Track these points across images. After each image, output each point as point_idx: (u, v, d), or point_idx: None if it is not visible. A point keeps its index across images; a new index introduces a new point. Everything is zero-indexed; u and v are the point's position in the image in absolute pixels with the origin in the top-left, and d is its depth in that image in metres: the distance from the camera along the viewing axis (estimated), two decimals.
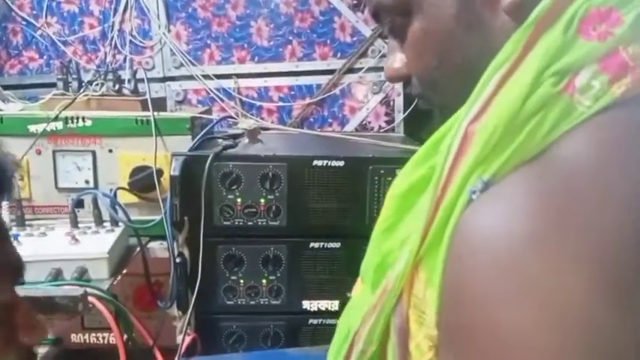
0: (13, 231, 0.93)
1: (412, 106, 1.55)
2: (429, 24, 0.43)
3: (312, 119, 1.62)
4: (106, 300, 0.82)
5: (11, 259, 0.48)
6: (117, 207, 1.00)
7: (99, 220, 1.00)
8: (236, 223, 1.02)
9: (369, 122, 1.61)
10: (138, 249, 1.01)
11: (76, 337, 1.14)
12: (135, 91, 1.20)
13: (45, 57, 1.64)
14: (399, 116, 1.59)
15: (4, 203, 0.94)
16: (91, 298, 0.80)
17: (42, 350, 1.10)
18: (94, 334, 1.13)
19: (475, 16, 0.41)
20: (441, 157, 0.39)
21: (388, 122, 1.60)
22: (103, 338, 1.14)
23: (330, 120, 1.62)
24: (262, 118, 1.59)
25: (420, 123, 1.65)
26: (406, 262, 0.40)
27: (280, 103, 1.61)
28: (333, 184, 1.03)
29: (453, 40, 0.43)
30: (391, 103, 1.60)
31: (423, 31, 0.44)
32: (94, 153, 1.05)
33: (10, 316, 0.48)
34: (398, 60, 0.48)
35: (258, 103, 1.61)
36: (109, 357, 1.06)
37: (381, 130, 1.60)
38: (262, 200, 1.02)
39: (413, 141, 1.34)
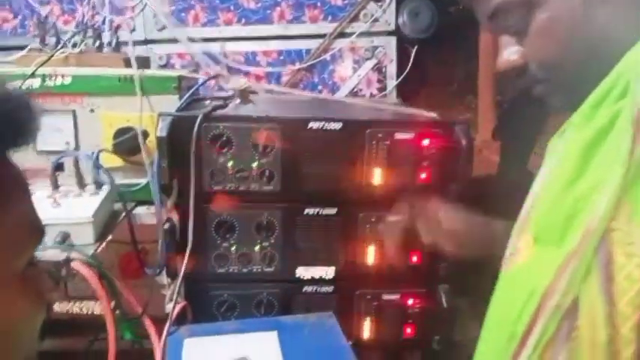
0: None
1: (405, 73, 1.51)
2: (556, 11, 0.50)
3: (301, 86, 1.57)
4: (91, 265, 0.77)
5: (36, 218, 0.48)
6: (101, 170, 0.95)
7: (81, 183, 0.94)
8: (227, 187, 0.97)
9: (361, 90, 1.56)
10: (123, 214, 0.96)
11: (59, 307, 1.08)
12: (116, 52, 1.13)
13: (19, 17, 1.54)
14: (392, 83, 1.54)
15: None
16: (74, 264, 0.75)
17: None
18: (78, 304, 1.08)
19: None
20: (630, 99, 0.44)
21: (380, 90, 1.56)
22: (88, 308, 1.09)
23: (320, 87, 1.57)
24: None
25: (413, 90, 1.62)
26: (607, 200, 0.44)
27: (269, 69, 1.54)
28: (330, 148, 0.99)
29: (579, 22, 0.49)
30: (383, 69, 1.55)
31: (549, 20, 0.51)
32: (74, 113, 0.99)
33: (37, 274, 0.48)
34: (513, 52, 0.55)
35: (245, 69, 1.54)
36: (94, 328, 1.01)
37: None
38: (254, 164, 0.97)
39: (409, 106, 1.30)
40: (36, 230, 0.48)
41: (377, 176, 1.01)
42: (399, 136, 1.00)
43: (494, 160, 1.51)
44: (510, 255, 0.59)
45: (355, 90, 1.56)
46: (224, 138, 0.95)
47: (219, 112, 0.98)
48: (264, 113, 0.98)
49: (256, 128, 0.95)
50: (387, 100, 1.47)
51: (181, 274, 0.91)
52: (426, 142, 1.00)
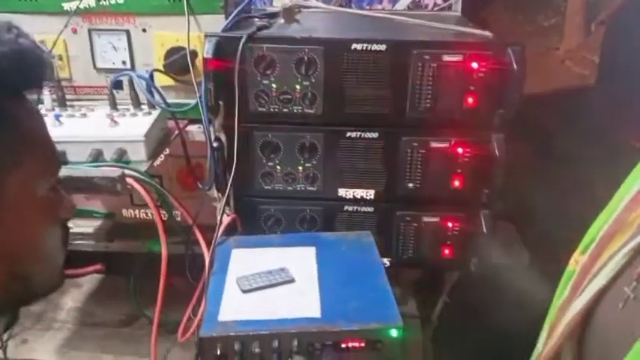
0: (55, 111, 0.95)
1: None
2: None
3: None
4: (143, 181, 0.84)
5: (56, 151, 0.55)
6: (153, 90, 1.00)
7: (136, 103, 1.00)
8: (271, 109, 1.00)
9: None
10: (176, 132, 1.02)
11: (126, 212, 1.21)
12: None
13: None
14: None
15: (45, 84, 0.96)
16: (129, 180, 0.83)
17: (95, 224, 1.19)
18: (142, 210, 1.20)
19: None
20: None
21: None
22: (151, 214, 1.21)
23: None
24: None
25: (481, 2, 1.50)
26: None
27: None
28: (373, 70, 0.97)
29: None
30: None
31: None
32: (128, 32, 1.03)
33: (55, 196, 0.55)
34: None
35: None
36: (156, 231, 1.12)
37: (436, 9, 1.47)
38: (298, 86, 0.98)
39: (468, 22, 1.22)
40: (56, 161, 0.55)
41: (421, 100, 0.99)
42: (446, 58, 0.96)
43: (577, 73, 1.42)
44: None
45: (417, 0, 1.47)
46: (267, 60, 0.96)
47: (264, 32, 0.98)
48: (308, 34, 0.97)
49: (299, 50, 0.95)
50: (448, 14, 1.38)
51: (227, 189, 0.97)
52: (474, 64, 0.96)
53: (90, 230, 1.16)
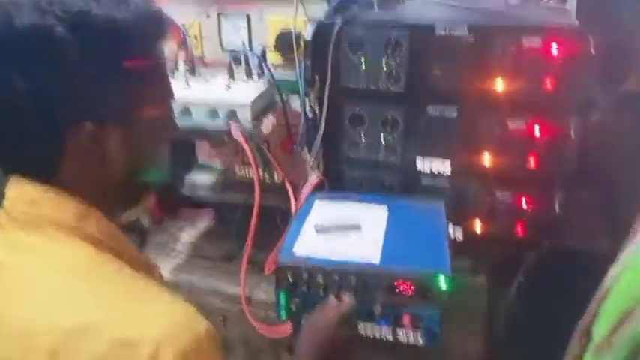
0: (186, 78, 1.19)
1: None
2: None
3: None
4: (245, 135, 1.04)
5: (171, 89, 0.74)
6: (264, 65, 1.19)
7: (249, 75, 1.21)
8: (360, 85, 1.13)
9: None
10: (279, 102, 1.20)
11: (237, 170, 1.43)
12: None
13: None
14: None
15: (182, 56, 1.21)
16: (234, 132, 1.02)
17: (213, 177, 1.43)
18: (250, 169, 1.40)
19: None
20: None
21: None
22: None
23: None
24: None
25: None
26: None
27: None
28: (455, 52, 1.06)
29: None
30: None
31: None
32: (248, 17, 1.24)
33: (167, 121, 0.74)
34: None
35: None
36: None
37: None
38: (384, 65, 1.10)
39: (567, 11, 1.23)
40: (171, 95, 0.74)
41: (500, 82, 1.05)
42: (526, 42, 1.02)
43: None
44: None
45: None
46: (358, 42, 1.09)
47: (359, 17, 1.12)
48: (396, 18, 1.08)
49: (387, 33, 1.07)
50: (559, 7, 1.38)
51: (314, 152, 1.13)
52: (554, 50, 1.00)
53: (208, 182, 1.39)
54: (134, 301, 0.61)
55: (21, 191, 0.65)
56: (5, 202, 0.66)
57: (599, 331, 0.60)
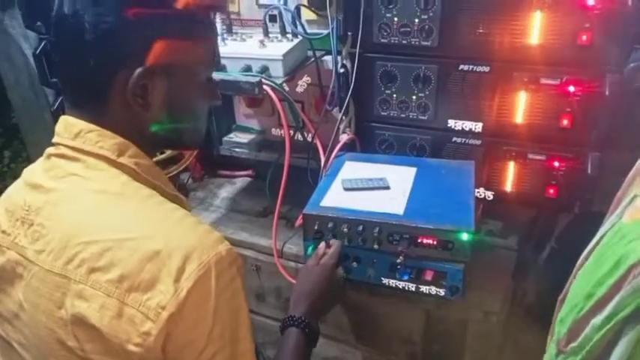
0: (223, 35, 1.22)
1: None
2: None
3: None
4: (276, 89, 1.06)
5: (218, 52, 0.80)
6: (297, 22, 1.20)
7: (283, 32, 1.22)
8: (392, 41, 1.13)
9: None
10: (312, 59, 1.22)
11: (274, 131, 1.46)
12: None
13: None
14: None
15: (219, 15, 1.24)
16: (265, 87, 1.05)
17: (251, 137, 1.47)
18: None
19: None
20: None
21: None
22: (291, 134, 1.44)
23: None
24: None
25: None
26: None
27: None
28: (488, 6, 1.04)
29: None
30: None
31: None
32: None
33: (210, 85, 0.79)
34: None
35: None
36: (293, 147, 1.34)
37: None
38: (416, 20, 1.09)
39: None
40: (217, 60, 0.79)
41: (534, 37, 1.03)
42: None
43: None
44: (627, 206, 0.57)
45: None
46: None
47: None
48: None
49: None
50: None
51: (343, 109, 1.14)
52: (590, 0, 0.96)
53: (246, 141, 1.44)
54: (164, 221, 0.67)
55: (68, 125, 0.72)
56: (55, 137, 0.73)
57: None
